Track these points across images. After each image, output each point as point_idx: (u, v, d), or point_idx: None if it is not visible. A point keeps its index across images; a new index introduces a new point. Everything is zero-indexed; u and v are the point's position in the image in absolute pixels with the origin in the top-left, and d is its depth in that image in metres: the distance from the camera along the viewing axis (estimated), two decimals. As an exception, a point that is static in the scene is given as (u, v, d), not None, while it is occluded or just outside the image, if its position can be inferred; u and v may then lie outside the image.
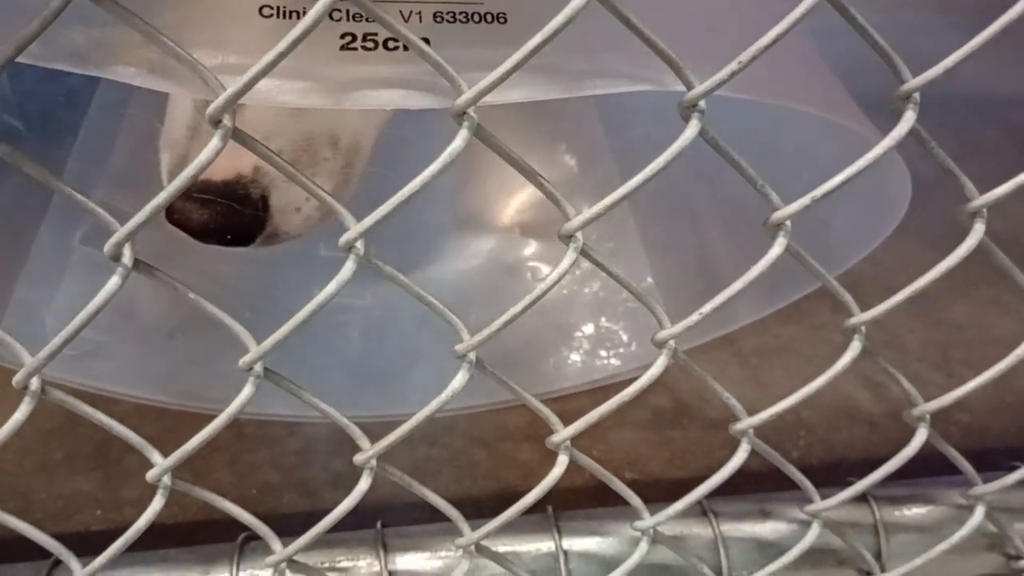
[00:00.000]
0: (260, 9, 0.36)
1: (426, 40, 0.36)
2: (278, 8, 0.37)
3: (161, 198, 0.30)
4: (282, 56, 0.28)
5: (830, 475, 0.56)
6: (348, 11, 0.37)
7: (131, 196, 0.64)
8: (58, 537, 0.39)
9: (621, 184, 0.32)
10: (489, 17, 0.38)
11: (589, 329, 0.75)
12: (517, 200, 0.79)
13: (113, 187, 0.69)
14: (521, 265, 0.78)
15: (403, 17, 0.37)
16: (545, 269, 0.77)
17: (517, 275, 0.78)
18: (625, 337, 0.75)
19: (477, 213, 0.80)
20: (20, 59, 0.28)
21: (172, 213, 0.41)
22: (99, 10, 0.27)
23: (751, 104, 0.35)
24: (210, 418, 0.37)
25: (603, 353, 0.74)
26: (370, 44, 0.36)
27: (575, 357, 0.74)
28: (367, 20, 0.36)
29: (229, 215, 0.34)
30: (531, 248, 0.78)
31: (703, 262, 0.75)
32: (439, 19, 0.38)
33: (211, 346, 0.68)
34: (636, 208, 0.74)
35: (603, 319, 0.75)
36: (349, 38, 0.36)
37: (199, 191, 0.40)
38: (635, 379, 0.38)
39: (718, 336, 0.72)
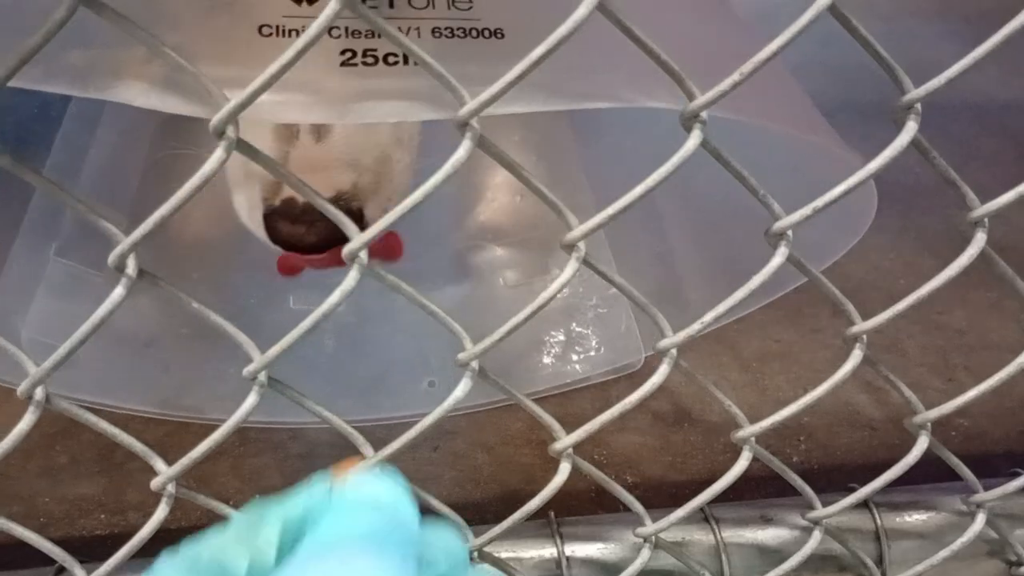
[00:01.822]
0: (259, 29, 0.37)
1: (425, 55, 0.36)
2: (277, 27, 0.37)
3: (165, 210, 0.30)
4: (286, 68, 0.28)
5: (830, 480, 0.56)
6: (347, 28, 0.37)
7: (105, 207, 0.65)
8: (62, 541, 0.39)
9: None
10: (487, 33, 0.38)
11: (560, 334, 0.76)
12: (486, 207, 0.80)
13: (87, 199, 0.69)
14: (491, 271, 0.79)
15: (402, 33, 0.38)
16: (511, 275, 0.78)
17: (485, 281, 0.79)
18: (594, 342, 0.76)
19: (448, 219, 0.80)
20: (22, 83, 0.28)
21: (280, 235, 0.44)
22: (98, 32, 0.27)
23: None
24: (213, 426, 0.37)
25: (573, 357, 0.75)
26: (370, 60, 0.37)
27: (546, 361, 0.75)
28: (366, 36, 0.37)
29: (335, 230, 0.35)
30: (498, 253, 0.78)
31: (666, 266, 0.76)
32: (437, 34, 0.38)
33: (188, 353, 0.69)
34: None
35: (574, 324, 0.76)
36: (349, 54, 0.36)
37: (304, 211, 0.42)
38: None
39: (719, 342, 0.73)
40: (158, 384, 0.68)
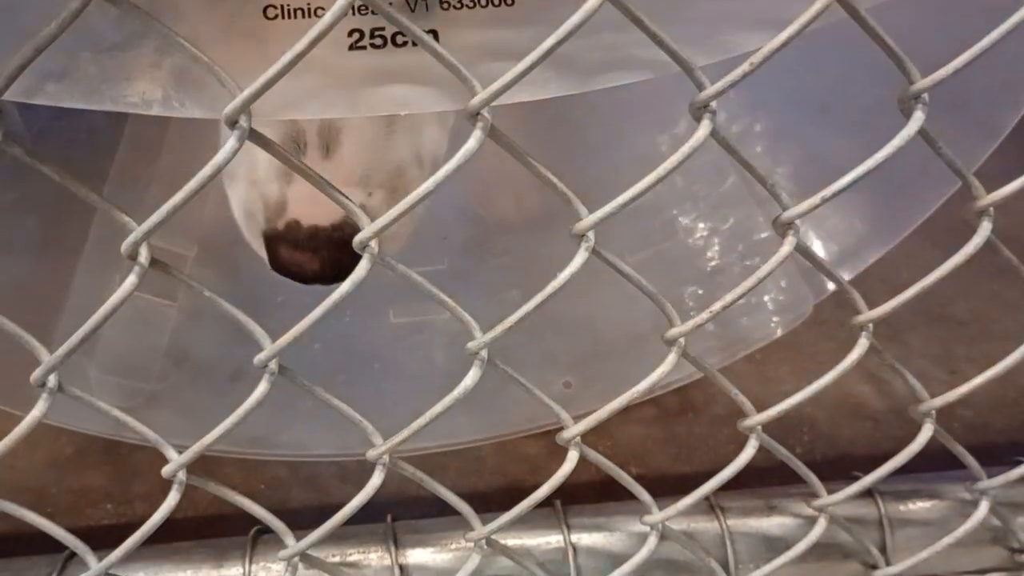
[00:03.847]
0: (264, 11, 0.36)
1: (434, 32, 0.36)
2: (282, 7, 0.37)
3: (178, 198, 0.30)
4: (299, 57, 0.28)
5: (834, 470, 0.56)
6: (354, 5, 0.37)
7: (176, 234, 0.61)
8: (69, 531, 0.40)
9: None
10: (496, 0, 0.38)
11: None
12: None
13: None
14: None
15: (410, 7, 0.37)
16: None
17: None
18: (759, 298, 0.70)
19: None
20: (40, 100, 0.29)
21: (283, 265, 0.41)
22: (107, 32, 0.27)
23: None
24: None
25: (744, 321, 0.70)
26: (378, 41, 0.36)
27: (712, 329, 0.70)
28: (373, 13, 0.36)
29: (340, 258, 0.34)
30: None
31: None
32: (446, 6, 0.37)
33: (284, 386, 0.64)
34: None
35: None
36: (357, 35, 0.36)
37: (308, 239, 0.39)
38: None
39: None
40: (255, 420, 0.63)
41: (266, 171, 0.41)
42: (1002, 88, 0.51)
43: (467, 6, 0.37)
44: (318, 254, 0.40)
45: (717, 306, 0.36)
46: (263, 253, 0.42)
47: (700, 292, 0.69)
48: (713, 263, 0.71)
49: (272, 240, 0.41)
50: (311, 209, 0.39)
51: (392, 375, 0.32)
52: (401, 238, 0.45)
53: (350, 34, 0.36)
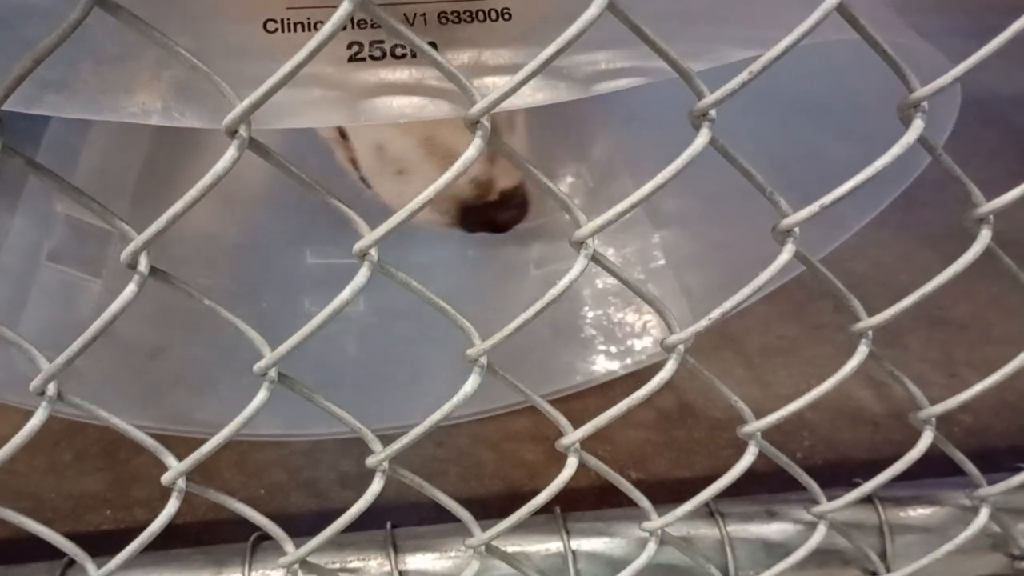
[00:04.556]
0: (264, 25, 0.37)
1: (432, 44, 0.36)
2: (282, 21, 0.37)
3: (178, 207, 0.30)
4: (299, 67, 0.28)
5: (834, 475, 0.56)
6: (352, 19, 0.37)
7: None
8: (68, 537, 0.40)
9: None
10: (493, 15, 0.38)
11: (598, 326, 0.75)
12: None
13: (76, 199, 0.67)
14: (524, 267, 0.78)
15: (408, 20, 0.37)
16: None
17: (518, 275, 0.78)
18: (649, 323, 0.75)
19: None
20: (42, 111, 0.29)
21: (475, 222, 0.53)
22: (107, 43, 0.27)
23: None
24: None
25: (613, 350, 0.74)
26: (377, 52, 0.36)
27: (585, 354, 0.74)
28: (372, 27, 0.37)
29: (520, 211, 0.47)
30: (536, 250, 0.77)
31: (716, 237, 0.74)
32: (444, 20, 0.38)
33: (201, 364, 0.66)
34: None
35: (612, 312, 0.75)
36: (356, 47, 0.36)
37: (502, 197, 0.52)
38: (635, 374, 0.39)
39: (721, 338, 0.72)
40: (172, 398, 0.66)
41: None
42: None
43: (465, 21, 0.38)
44: (508, 209, 0.52)
45: (716, 313, 0.36)
46: (446, 220, 0.52)
47: (594, 313, 0.77)
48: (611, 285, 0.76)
49: (488, 210, 0.52)
50: (507, 180, 0.51)
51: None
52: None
53: (349, 47, 0.36)
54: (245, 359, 0.36)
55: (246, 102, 0.29)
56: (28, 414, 0.35)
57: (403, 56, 0.37)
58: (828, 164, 0.55)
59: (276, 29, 0.37)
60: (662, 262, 0.75)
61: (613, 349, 0.74)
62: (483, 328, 0.37)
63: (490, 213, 0.52)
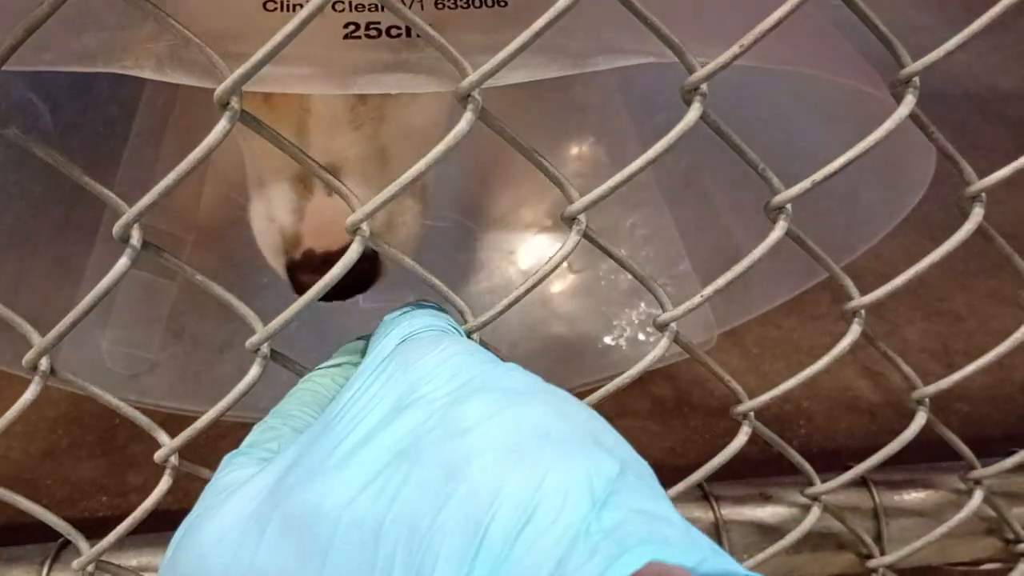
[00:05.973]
0: (264, 4, 0.37)
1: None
2: (281, 2, 0.37)
3: (169, 180, 0.30)
4: (289, 38, 0.28)
5: (830, 464, 0.56)
6: (350, 2, 0.37)
7: (175, 217, 0.67)
8: (64, 521, 0.40)
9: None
10: (490, 1, 0.38)
11: (631, 316, 0.74)
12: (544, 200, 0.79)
13: (158, 211, 0.69)
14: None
15: (405, 5, 0.38)
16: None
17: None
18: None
19: (503, 212, 0.79)
20: (34, 66, 0.29)
21: (304, 287, 0.42)
22: (110, 14, 0.27)
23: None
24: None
25: (642, 338, 0.73)
26: (373, 32, 0.37)
27: (618, 343, 0.73)
28: (369, 9, 0.37)
29: (357, 275, 0.35)
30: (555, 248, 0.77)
31: (737, 244, 0.74)
32: (440, 6, 0.38)
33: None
34: (667, 194, 0.73)
35: (642, 305, 0.74)
36: (352, 27, 0.36)
37: (324, 262, 0.43)
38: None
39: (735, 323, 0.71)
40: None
41: (281, 208, 0.45)
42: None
43: (461, 7, 0.38)
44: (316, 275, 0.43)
45: (708, 290, 0.36)
46: (284, 277, 0.46)
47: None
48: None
49: (293, 270, 0.45)
50: (322, 239, 0.44)
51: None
52: (407, 226, 0.47)
53: (346, 26, 0.36)
54: (301, 348, 0.36)
55: (237, 72, 0.29)
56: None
57: (398, 35, 0.37)
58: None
59: (275, 8, 0.37)
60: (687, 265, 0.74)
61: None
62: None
63: (296, 274, 0.45)
